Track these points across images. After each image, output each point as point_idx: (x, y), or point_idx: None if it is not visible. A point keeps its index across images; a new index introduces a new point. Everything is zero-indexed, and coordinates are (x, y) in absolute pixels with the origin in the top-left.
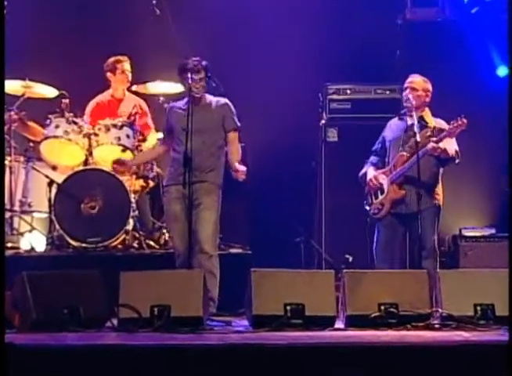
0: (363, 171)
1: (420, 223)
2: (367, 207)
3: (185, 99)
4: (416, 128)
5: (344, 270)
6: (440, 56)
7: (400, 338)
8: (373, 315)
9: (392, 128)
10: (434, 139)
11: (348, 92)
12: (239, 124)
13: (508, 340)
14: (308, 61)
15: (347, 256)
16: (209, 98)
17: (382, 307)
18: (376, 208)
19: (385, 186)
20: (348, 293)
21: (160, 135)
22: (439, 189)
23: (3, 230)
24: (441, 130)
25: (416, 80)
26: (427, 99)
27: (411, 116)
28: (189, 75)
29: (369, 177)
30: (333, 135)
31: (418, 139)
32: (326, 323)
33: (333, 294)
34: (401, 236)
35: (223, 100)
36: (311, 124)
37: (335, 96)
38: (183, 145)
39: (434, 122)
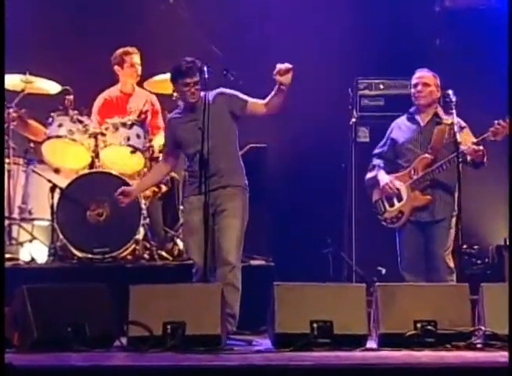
0: (371, 175)
1: (439, 231)
2: (379, 216)
3: (182, 106)
4: (456, 128)
5: (377, 284)
6: (482, 46)
7: (439, 359)
8: (408, 333)
9: (402, 129)
10: (474, 140)
11: (381, 86)
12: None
13: None
14: (337, 53)
15: (379, 268)
16: (203, 96)
17: (419, 325)
18: (394, 217)
19: (403, 192)
20: (381, 309)
21: None
22: (459, 195)
23: (2, 239)
24: (461, 127)
25: (427, 75)
26: (438, 95)
27: (423, 114)
28: (183, 80)
29: (384, 182)
30: (364, 135)
31: (459, 139)
32: (357, 342)
33: (364, 311)
34: (422, 246)
35: (216, 91)
36: (340, 123)
37: (367, 92)
38: (197, 155)
39: (449, 119)
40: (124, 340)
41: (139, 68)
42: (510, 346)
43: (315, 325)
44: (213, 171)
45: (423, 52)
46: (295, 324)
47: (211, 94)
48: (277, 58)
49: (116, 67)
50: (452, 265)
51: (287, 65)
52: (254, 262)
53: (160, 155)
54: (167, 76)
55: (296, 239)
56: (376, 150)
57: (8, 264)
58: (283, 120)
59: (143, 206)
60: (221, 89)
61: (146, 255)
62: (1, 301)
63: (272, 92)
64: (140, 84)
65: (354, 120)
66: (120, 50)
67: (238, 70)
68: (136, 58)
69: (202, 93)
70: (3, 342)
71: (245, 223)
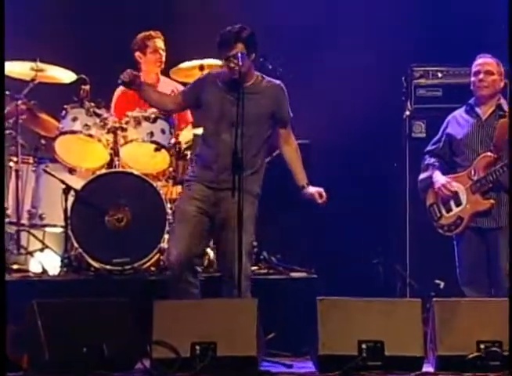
0: (424, 175)
1: (504, 240)
2: (434, 223)
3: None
4: None
5: (434, 299)
6: None
7: None
8: (470, 356)
9: (460, 122)
10: None
11: (440, 75)
12: (291, 114)
13: None
14: (389, 36)
15: (437, 281)
16: (256, 77)
17: (482, 346)
18: (451, 223)
19: (462, 195)
20: (439, 327)
21: (199, 131)
22: None
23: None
24: None
25: (490, 61)
26: (502, 85)
27: (485, 106)
28: (220, 53)
29: (439, 183)
30: (419, 130)
31: None
32: (412, 365)
33: (420, 329)
34: (484, 255)
35: (276, 82)
36: (393, 117)
37: (423, 81)
38: (219, 136)
39: None
40: (147, 362)
41: (163, 54)
42: (511, 347)
43: (363, 346)
44: (228, 164)
45: (488, 37)
46: (341, 345)
47: (268, 79)
48: (321, 47)
49: (137, 54)
50: None
51: (321, 191)
52: (294, 275)
53: (188, 153)
54: (195, 63)
55: (342, 248)
56: (430, 147)
57: (16, 276)
58: (328, 113)
59: (169, 210)
60: (282, 84)
61: None
62: (1, 301)
63: (302, 177)
64: (165, 72)
65: (408, 113)
66: (142, 34)
67: (277, 57)
68: (160, 42)
69: (255, 74)
70: (3, 342)
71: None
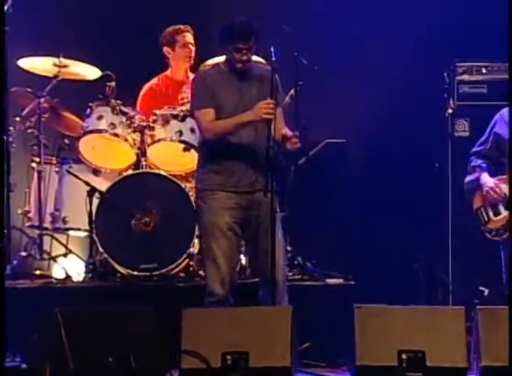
0: (471, 177)
1: None
2: (482, 227)
3: (222, 66)
4: None
5: (478, 307)
6: None
7: None
8: None
9: (508, 122)
10: None
11: (484, 71)
12: None
13: None
14: (430, 29)
15: (481, 288)
16: (252, 66)
17: None
18: (500, 227)
19: None
20: (483, 337)
21: None
22: None
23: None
24: None
25: None
26: None
27: None
28: (235, 44)
29: (487, 186)
30: (463, 129)
31: None
32: None
33: (463, 339)
34: None
35: (268, 67)
36: (434, 114)
37: (466, 77)
38: (235, 134)
39: None
40: (175, 373)
41: (193, 49)
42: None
43: (404, 356)
44: (248, 167)
45: None
46: (380, 355)
47: (260, 65)
48: (359, 43)
49: (165, 49)
50: None
51: (293, 134)
52: (330, 281)
53: None
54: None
55: (381, 253)
56: (477, 148)
57: (38, 282)
58: (365, 111)
59: None
60: (269, 67)
61: (201, 272)
62: (1, 300)
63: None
64: (195, 69)
65: (450, 111)
66: (171, 28)
67: (313, 54)
68: (189, 37)
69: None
70: (3, 343)
71: None
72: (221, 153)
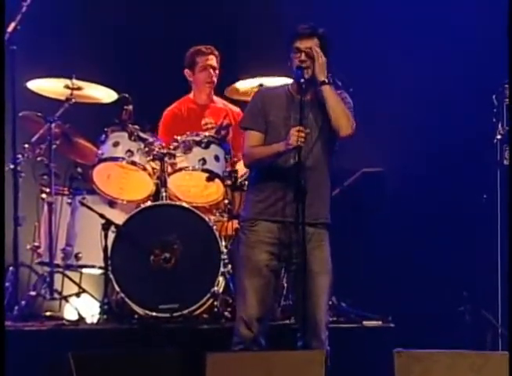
0: None
1: None
2: None
3: (287, 86)
4: None
5: None
6: None
7: None
8: None
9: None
10: None
11: None
12: None
13: None
14: (477, 49)
15: None
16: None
17: None
18: None
19: None
20: None
21: None
22: None
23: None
24: None
25: None
26: None
27: None
28: (294, 43)
29: None
30: None
31: None
32: None
33: None
34: None
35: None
36: (481, 141)
37: None
38: (286, 160)
39: None
40: None
41: (215, 73)
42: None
43: None
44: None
45: None
46: None
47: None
48: (400, 66)
49: (186, 71)
50: None
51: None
52: (368, 323)
53: (246, 183)
54: (254, 82)
55: (422, 292)
56: None
57: (49, 324)
58: (404, 137)
59: (224, 249)
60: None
61: (226, 313)
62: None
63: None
64: (220, 92)
65: (499, 137)
66: (192, 49)
67: (349, 75)
68: (211, 59)
69: None
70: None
71: None
72: (265, 180)
